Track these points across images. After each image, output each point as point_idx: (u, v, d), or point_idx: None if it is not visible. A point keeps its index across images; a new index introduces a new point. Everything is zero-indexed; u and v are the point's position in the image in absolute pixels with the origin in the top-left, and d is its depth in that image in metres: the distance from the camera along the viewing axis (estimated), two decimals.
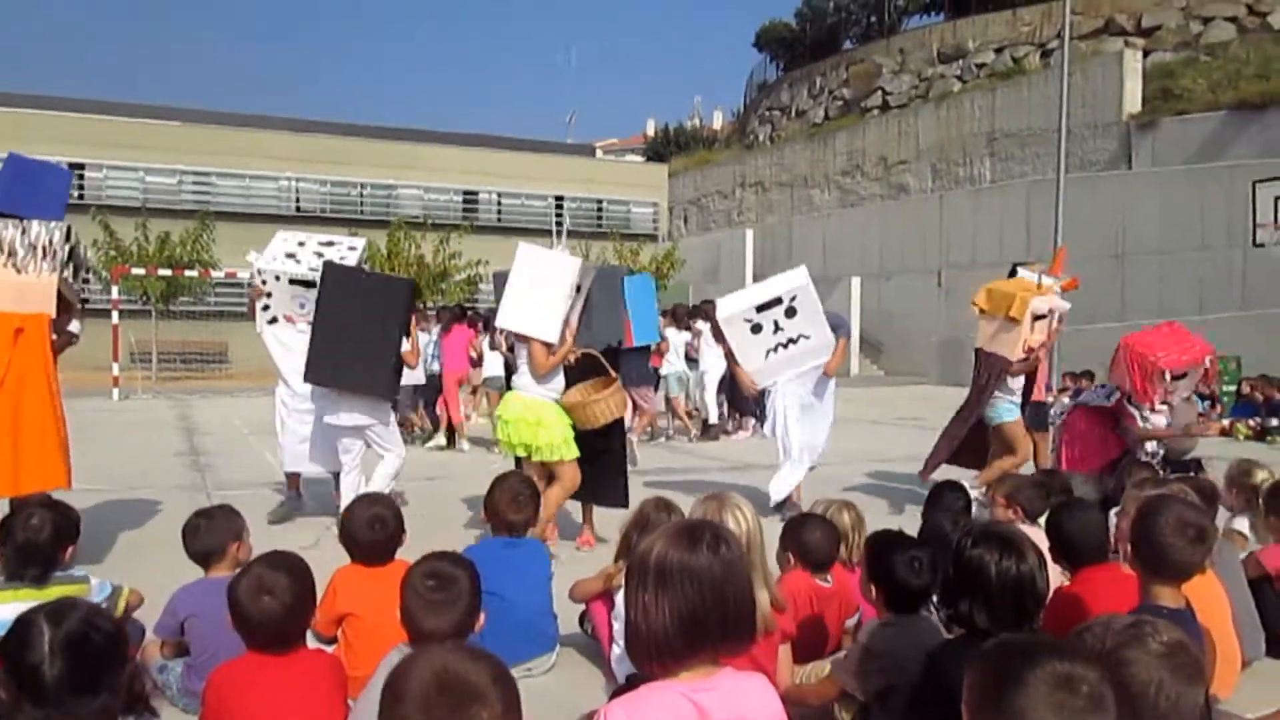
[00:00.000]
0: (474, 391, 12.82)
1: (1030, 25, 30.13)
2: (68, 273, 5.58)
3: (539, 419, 5.78)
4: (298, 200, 30.10)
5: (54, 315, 5.49)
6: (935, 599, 3.14)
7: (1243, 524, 5.00)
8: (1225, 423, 13.76)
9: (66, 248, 5.54)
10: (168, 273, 22.13)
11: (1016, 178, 25.99)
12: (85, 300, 6.45)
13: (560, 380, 5.99)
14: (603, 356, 6.21)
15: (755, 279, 24.92)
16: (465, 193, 32.14)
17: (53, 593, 3.33)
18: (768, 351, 7.20)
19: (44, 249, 5.40)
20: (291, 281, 6.75)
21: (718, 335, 7.80)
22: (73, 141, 25.99)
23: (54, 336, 5.53)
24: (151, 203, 26.99)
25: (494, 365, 11.02)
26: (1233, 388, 14.90)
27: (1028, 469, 7.13)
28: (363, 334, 6.29)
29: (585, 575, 4.24)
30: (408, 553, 3.80)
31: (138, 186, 27.80)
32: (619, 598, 3.64)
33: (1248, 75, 22.60)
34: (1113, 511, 4.33)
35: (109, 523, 6.47)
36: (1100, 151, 24.38)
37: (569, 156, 36.50)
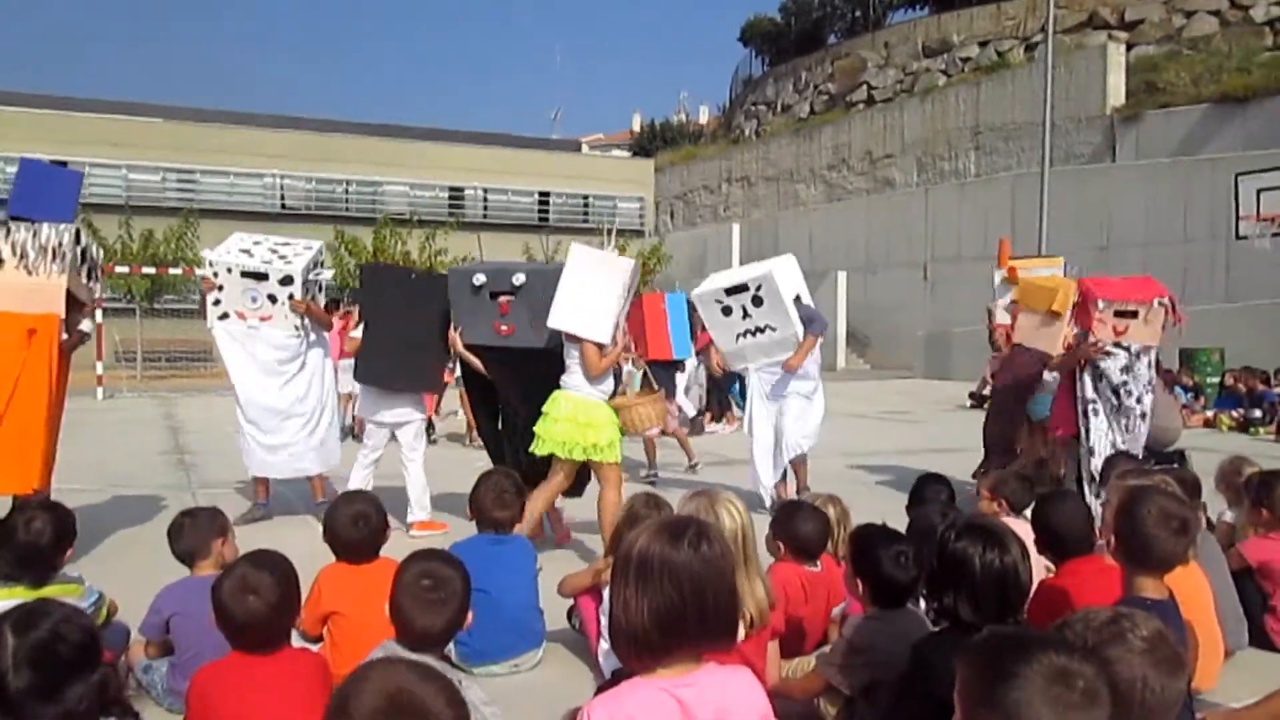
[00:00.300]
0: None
1: (1014, 19, 30.18)
2: (81, 273, 5.67)
3: (590, 420, 5.71)
4: (283, 197, 29.96)
5: (63, 316, 5.57)
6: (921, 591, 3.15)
7: (1235, 517, 5.04)
8: (1209, 414, 13.87)
9: (78, 249, 5.65)
10: (152, 271, 21.97)
11: (1001, 171, 26.06)
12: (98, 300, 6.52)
13: (610, 382, 5.95)
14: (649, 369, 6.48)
15: None
16: (451, 189, 32.09)
17: (46, 593, 3.31)
18: (738, 335, 7.28)
19: (54, 251, 5.49)
20: (244, 274, 6.71)
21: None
22: (55, 139, 25.77)
23: (65, 336, 5.64)
24: (135, 200, 26.85)
25: None
26: (1216, 379, 14.98)
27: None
28: (412, 332, 6.47)
29: (574, 570, 4.25)
30: (390, 550, 3.81)
31: (121, 184, 27.62)
32: (607, 592, 3.64)
33: (1230, 68, 22.75)
34: (1097, 502, 4.35)
35: (94, 522, 6.41)
36: (1084, 145, 24.49)
37: (555, 152, 36.49)
